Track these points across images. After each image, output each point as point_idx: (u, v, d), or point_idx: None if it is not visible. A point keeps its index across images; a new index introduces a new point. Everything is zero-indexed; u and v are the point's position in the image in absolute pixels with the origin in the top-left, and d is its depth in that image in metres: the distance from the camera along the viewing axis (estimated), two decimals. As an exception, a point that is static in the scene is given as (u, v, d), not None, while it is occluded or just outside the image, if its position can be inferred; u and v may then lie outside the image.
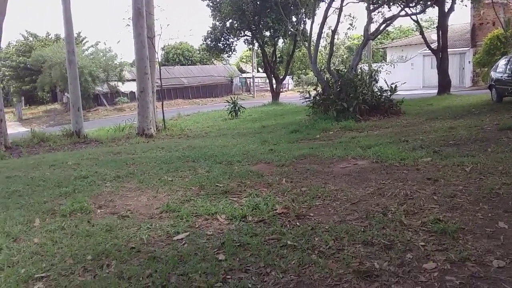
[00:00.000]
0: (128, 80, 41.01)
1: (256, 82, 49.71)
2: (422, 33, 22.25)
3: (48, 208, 4.64)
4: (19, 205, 4.86)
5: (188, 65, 53.67)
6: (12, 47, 45.57)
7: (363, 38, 16.43)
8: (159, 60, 17.31)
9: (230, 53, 31.52)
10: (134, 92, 40.34)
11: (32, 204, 4.83)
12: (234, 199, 4.71)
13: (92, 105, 38.57)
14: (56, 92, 43.79)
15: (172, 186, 5.47)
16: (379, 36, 23.28)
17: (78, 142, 13.38)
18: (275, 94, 29.59)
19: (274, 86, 29.68)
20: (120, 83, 40.88)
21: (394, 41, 42.93)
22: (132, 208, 4.63)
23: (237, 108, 20.22)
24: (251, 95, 47.77)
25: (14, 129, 26.22)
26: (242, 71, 55.20)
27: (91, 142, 13.34)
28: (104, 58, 39.37)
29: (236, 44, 30.28)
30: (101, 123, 26.12)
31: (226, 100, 21.62)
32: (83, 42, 45.50)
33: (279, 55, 31.33)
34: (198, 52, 57.35)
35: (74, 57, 15.38)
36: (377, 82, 14.13)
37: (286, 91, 46.28)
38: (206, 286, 2.70)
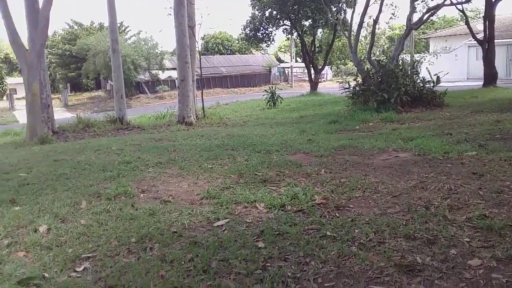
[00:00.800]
0: (168, 69, 41.73)
1: (294, 72, 49.39)
2: (467, 23, 21.33)
3: (94, 191, 4.82)
4: (67, 187, 5.06)
5: (227, 54, 53.96)
6: (58, 36, 47.21)
7: (405, 28, 15.95)
8: (199, 49, 17.45)
9: (269, 42, 31.41)
10: (174, 81, 41.12)
11: (78, 187, 5.03)
12: (273, 188, 4.74)
13: (134, 93, 39.50)
14: (100, 80, 45.12)
15: (212, 173, 5.55)
16: (422, 26, 22.48)
17: (121, 129, 13.78)
18: (314, 84, 29.32)
19: (313, 76, 29.41)
20: (160, 72, 41.63)
21: (437, 31, 41.44)
22: (174, 193, 4.74)
23: (275, 97, 20.18)
24: (289, 85, 47.54)
25: (60, 114, 27.28)
26: (280, 60, 54.94)
27: (133, 129, 13.71)
28: (146, 47, 40.13)
29: (275, 34, 30.30)
30: (142, 110, 26.75)
31: (264, 90, 21.61)
32: (126, 31, 46.57)
33: (318, 44, 30.96)
34: (237, 41, 57.54)
35: (118, 46, 15.76)
36: (419, 73, 13.71)
37: (324, 81, 45.78)
38: (246, 273, 2.74)
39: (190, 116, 14.41)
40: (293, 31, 29.38)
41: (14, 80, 52.53)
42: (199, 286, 2.59)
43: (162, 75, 41.97)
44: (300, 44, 30.76)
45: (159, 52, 41.48)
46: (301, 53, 33.15)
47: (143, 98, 39.19)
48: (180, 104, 14.51)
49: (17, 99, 39.94)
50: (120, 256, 3.12)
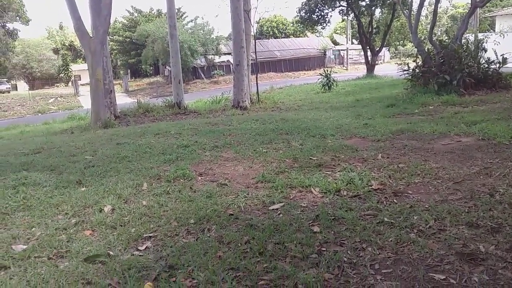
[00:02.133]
0: (223, 54, 42.17)
1: (350, 55, 48.27)
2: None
3: (154, 173, 5.01)
4: (129, 169, 5.30)
5: (281, 38, 53.57)
6: (119, 23, 48.96)
7: (470, 6, 15.03)
8: (254, 34, 17.46)
9: (324, 24, 30.84)
10: (229, 65, 41.51)
11: (140, 169, 5.25)
12: (328, 172, 4.70)
13: (191, 78, 40.35)
14: (158, 66, 46.46)
15: (267, 157, 5.59)
16: (488, 4, 21.07)
17: (179, 113, 14.18)
18: (370, 66, 28.52)
19: (369, 58, 28.59)
20: (216, 57, 42.15)
21: (504, 8, 38.67)
22: (230, 177, 4.83)
23: (330, 81, 19.86)
24: (344, 67, 46.57)
25: (122, 99, 28.42)
26: (335, 43, 53.79)
27: (190, 113, 14.05)
28: (202, 32, 40.69)
29: (331, 15, 29.67)
30: (199, 95, 27.30)
31: (319, 73, 21.31)
32: (183, 17, 47.42)
33: (375, 25, 29.95)
34: (291, 24, 56.93)
35: (176, 32, 16.11)
36: (486, 51, 12.89)
37: (381, 63, 44.36)
38: (301, 256, 2.76)
39: (245, 101, 14.53)
40: (350, 12, 28.64)
41: (78, 67, 55.31)
42: (255, 267, 2.65)
43: (218, 60, 42.47)
44: (356, 26, 29.93)
45: (215, 37, 41.94)
46: (357, 35, 32.30)
47: (199, 83, 39.96)
48: (235, 89, 14.66)
49: (81, 85, 42.06)
50: (179, 237, 3.24)
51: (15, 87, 52.43)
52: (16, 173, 5.22)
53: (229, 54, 39.83)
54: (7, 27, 45.63)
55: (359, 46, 32.95)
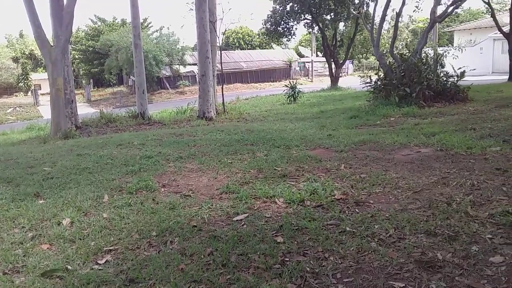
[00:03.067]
0: (189, 64, 42.01)
1: (314, 67, 49.07)
2: (493, 15, 20.76)
3: (116, 185, 4.90)
4: (89, 181, 5.16)
5: (247, 49, 53.94)
6: (82, 32, 48.01)
7: (429, 21, 15.64)
8: (220, 45, 17.49)
9: (290, 37, 31.22)
10: (195, 76, 41.38)
11: (101, 181, 5.12)
12: (292, 183, 4.73)
13: (156, 88, 39.90)
14: (122, 75, 45.72)
15: (232, 168, 5.58)
16: (446, 19, 21.99)
17: (143, 124, 13.97)
18: (334, 78, 29.06)
19: (334, 70, 29.14)
20: (182, 67, 41.95)
21: (462, 24, 40.52)
22: (194, 188, 4.78)
23: (295, 92, 20.09)
24: (309, 79, 47.29)
25: (84, 110, 27.76)
26: (301, 55, 54.62)
27: (154, 124, 13.87)
28: (168, 42, 40.44)
29: (296, 28, 30.22)
30: (163, 105, 27.00)
31: (285, 85, 21.55)
32: (148, 26, 47.02)
33: (339, 38, 30.62)
34: (257, 36, 57.48)
35: (140, 41, 15.95)
36: (443, 67, 13.43)
37: (345, 75, 45.37)
38: (265, 267, 2.75)
39: (211, 111, 14.48)
40: (314, 25, 29.14)
41: (38, 76, 53.62)
42: (218, 279, 2.62)
43: (183, 70, 42.29)
44: (321, 38, 30.52)
45: (180, 47, 41.76)
46: (322, 48, 32.91)
47: (164, 94, 39.57)
48: (200, 99, 14.59)
49: (41, 94, 40.81)
50: (141, 250, 3.18)
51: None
52: (-32, 186, 4.99)
53: (194, 64, 39.68)
54: (-38, 34, 43.87)
55: (324, 59, 33.56)
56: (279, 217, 3.68)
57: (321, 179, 4.77)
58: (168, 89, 40.98)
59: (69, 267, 2.89)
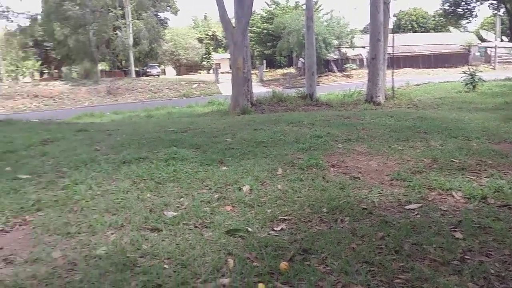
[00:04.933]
0: (357, 47, 41.31)
1: (498, 53, 43.29)
2: None
3: (288, 160, 5.16)
4: (265, 154, 5.53)
5: (421, 32, 50.43)
6: (258, 15, 51.00)
7: None
8: (392, 27, 16.72)
9: (470, 19, 28.43)
10: (362, 59, 40.52)
11: (275, 155, 5.44)
12: (472, 177, 4.34)
13: (323, 71, 40.37)
14: (292, 57, 47.38)
15: (403, 155, 5.37)
16: None
17: (311, 104, 14.34)
18: (526, 66, 25.30)
19: (526, 56, 25.35)
20: (350, 50, 41.52)
21: None
22: (363, 171, 4.75)
23: (474, 80, 18.16)
24: (491, 67, 42.05)
25: (257, 89, 29.58)
26: (482, 39, 48.73)
27: (322, 105, 14.11)
28: (338, 25, 40.34)
29: (479, 9, 27.03)
30: (330, 88, 27.20)
31: (462, 71, 19.61)
32: (319, 10, 47.50)
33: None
34: (432, 18, 53.22)
35: (312, 24, 16.22)
36: None
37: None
38: (442, 261, 2.61)
39: (379, 96, 14.07)
40: (501, 6, 25.63)
41: (218, 56, 59.06)
42: (391, 264, 2.59)
43: (351, 54, 41.75)
44: (507, 21, 26.74)
45: (349, 30, 41.30)
46: (508, 32, 28.83)
47: (331, 76, 39.80)
48: (369, 83, 14.27)
49: (221, 73, 44.85)
50: (312, 223, 3.30)
51: (163, 72, 58.00)
52: (167, 148, 5.81)
53: (362, 47, 38.85)
54: (159, 16, 50.71)
55: (510, 44, 29.39)
56: (457, 212, 3.43)
57: (507, 177, 4.27)
58: (335, 72, 41.08)
59: (249, 229, 3.17)
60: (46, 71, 57.95)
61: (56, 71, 56.79)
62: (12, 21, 33.63)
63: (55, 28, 40.75)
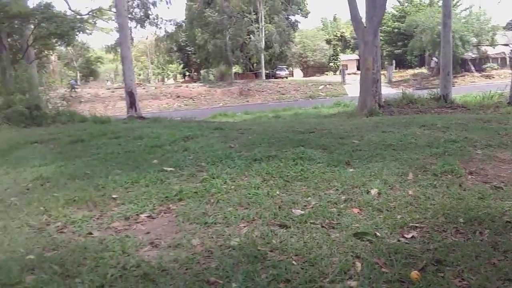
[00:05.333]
0: (499, 45, 37.49)
1: None
2: None
3: (420, 164, 4.91)
4: (394, 157, 5.33)
5: None
6: (389, 13, 49.15)
7: None
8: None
9: None
10: (505, 58, 36.47)
11: (405, 159, 5.22)
12: None
13: (459, 71, 37.47)
14: (424, 57, 44.74)
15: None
16: None
17: (445, 107, 13.44)
18: None
19: None
20: (490, 48, 37.86)
21: None
22: (506, 180, 4.31)
23: None
24: None
25: (384, 90, 28.50)
26: None
27: (457, 108, 13.11)
28: (477, 21, 37.08)
29: None
30: (467, 89, 25.08)
31: None
32: (457, 5, 44.12)
33: None
34: None
35: (450, 20, 15.17)
36: None
37: None
38: None
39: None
40: None
41: (345, 57, 58.33)
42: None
43: (492, 52, 37.98)
44: None
45: (491, 26, 37.61)
46: None
47: (468, 77, 36.74)
48: (516, 84, 12.82)
49: (347, 74, 44.23)
50: (447, 233, 3.11)
51: (291, 74, 59.24)
52: (295, 148, 5.95)
53: (505, 45, 34.99)
54: (289, 19, 51.85)
55: None
56: None
57: None
58: (472, 71, 37.76)
59: (377, 233, 3.11)
60: (187, 73, 63.38)
61: (195, 73, 62.07)
62: (160, 28, 37.68)
63: (197, 33, 44.64)
